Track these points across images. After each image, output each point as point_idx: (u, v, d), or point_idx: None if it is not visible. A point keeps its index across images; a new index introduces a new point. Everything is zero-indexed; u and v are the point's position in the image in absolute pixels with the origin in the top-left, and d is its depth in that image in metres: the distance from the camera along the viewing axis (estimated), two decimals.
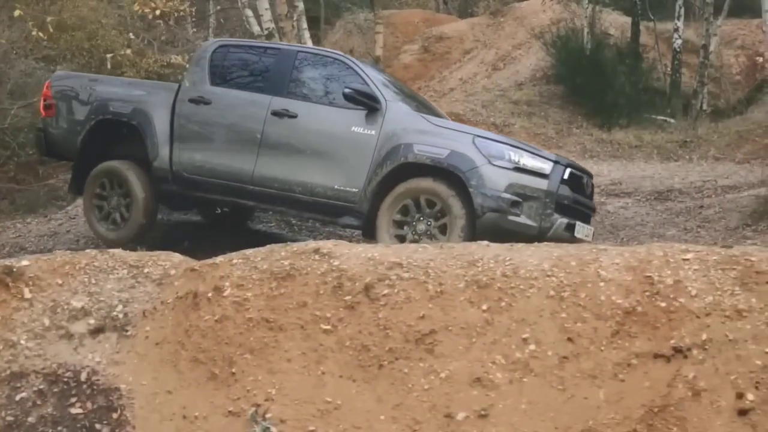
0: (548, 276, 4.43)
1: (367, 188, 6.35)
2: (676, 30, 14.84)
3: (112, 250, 5.73)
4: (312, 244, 5.08)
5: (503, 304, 4.37)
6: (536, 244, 4.99)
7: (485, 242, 5.00)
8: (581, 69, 14.07)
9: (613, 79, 13.89)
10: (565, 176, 6.25)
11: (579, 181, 6.52)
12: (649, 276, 4.31)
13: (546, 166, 6.18)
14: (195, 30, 16.54)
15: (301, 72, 6.93)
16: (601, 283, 4.34)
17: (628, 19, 16.54)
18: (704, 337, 4.01)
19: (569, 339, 4.18)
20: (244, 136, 6.84)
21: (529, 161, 6.16)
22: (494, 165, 6.06)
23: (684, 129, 13.17)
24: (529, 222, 6.04)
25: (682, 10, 14.78)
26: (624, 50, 15.45)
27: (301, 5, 10.03)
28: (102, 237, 7.49)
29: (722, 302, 4.11)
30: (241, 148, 6.83)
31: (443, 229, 6.09)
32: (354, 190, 6.42)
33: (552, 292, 4.35)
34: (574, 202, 6.38)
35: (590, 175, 6.89)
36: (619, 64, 14.37)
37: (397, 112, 6.49)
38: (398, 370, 4.32)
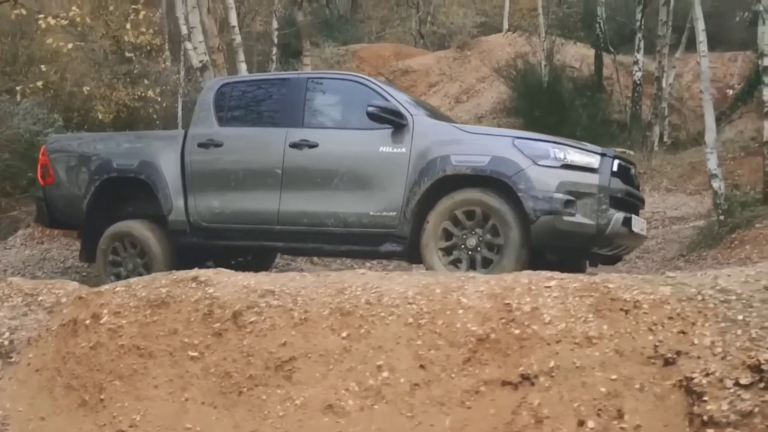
0: (410, 303, 4.44)
1: (406, 210, 5.92)
2: (636, 62, 14.98)
3: (10, 279, 5.79)
4: (192, 272, 5.11)
5: (362, 331, 4.39)
6: (410, 273, 5.00)
7: (361, 270, 5.02)
8: (539, 102, 14.18)
9: (571, 112, 13.98)
10: (615, 168, 5.87)
11: (627, 173, 6.13)
12: (509, 303, 4.32)
13: (594, 160, 5.82)
14: (168, 63, 16.71)
15: (314, 99, 6.57)
16: (460, 311, 4.34)
17: (593, 52, 16.69)
18: (552, 364, 4.01)
19: (422, 366, 4.18)
20: (263, 174, 6.39)
21: (576, 157, 5.80)
22: (540, 165, 5.68)
23: (639, 161, 13.21)
24: (586, 221, 5.66)
25: (642, 42, 14.92)
26: (587, 82, 15.59)
27: (238, 38, 10.17)
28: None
29: (574, 329, 4.11)
30: (262, 187, 6.36)
31: (496, 241, 5.69)
32: (391, 213, 5.98)
33: (411, 320, 4.36)
34: (627, 194, 6.00)
35: (635, 165, 6.50)
36: (578, 97, 14.48)
37: (425, 125, 6.12)
38: (256, 397, 4.33)
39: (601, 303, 4.20)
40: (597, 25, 15.90)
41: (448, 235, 5.81)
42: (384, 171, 6.05)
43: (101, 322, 4.89)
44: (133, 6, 16.21)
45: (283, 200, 6.28)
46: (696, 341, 3.95)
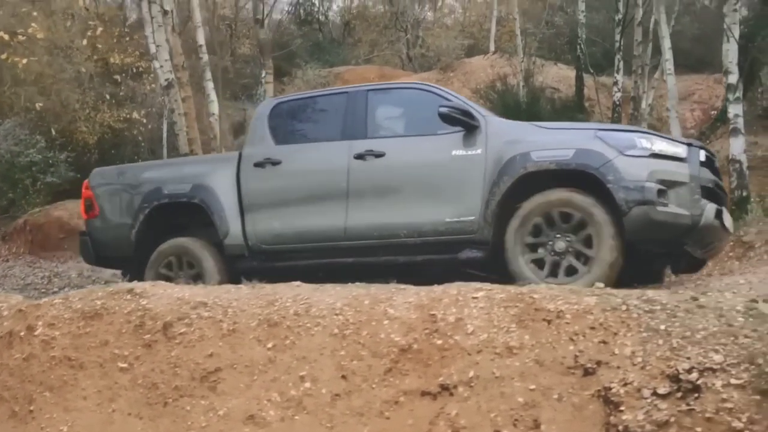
0: (336, 314, 4.43)
1: (486, 213, 5.63)
2: (616, 83, 15.07)
3: None
4: (128, 284, 5.13)
5: (288, 342, 4.38)
6: (344, 284, 4.99)
7: (296, 283, 5.02)
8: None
9: None
10: (702, 158, 5.63)
11: (713, 164, 5.88)
12: (434, 314, 4.31)
13: (681, 150, 5.58)
14: (154, 85, 16.82)
15: (377, 110, 6.35)
16: (386, 321, 4.33)
17: (575, 73, 16.75)
18: (472, 374, 3.99)
19: (344, 377, 4.16)
20: (327, 188, 6.11)
21: (663, 146, 5.53)
22: (628, 155, 5.41)
23: None
24: (681, 211, 5.36)
25: (621, 63, 15.02)
26: (568, 103, 15.64)
27: (205, 57, 10.24)
28: None
29: (495, 339, 4.09)
30: (326, 202, 6.08)
31: (588, 242, 5.37)
32: (470, 218, 5.70)
33: (336, 330, 4.35)
34: (716, 185, 5.75)
35: (716, 157, 6.25)
36: (558, 117, 14.50)
37: (498, 125, 5.91)
38: (181, 408, 4.32)
39: (524, 313, 4.19)
40: (578, 47, 16.01)
41: (534, 239, 5.51)
42: (458, 175, 5.80)
43: (35, 333, 4.89)
44: (119, 29, 16.46)
45: (351, 214, 6.01)
46: (617, 351, 3.93)
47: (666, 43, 8.90)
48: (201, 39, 10.38)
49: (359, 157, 6.06)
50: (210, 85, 10.05)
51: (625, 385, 3.79)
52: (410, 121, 6.38)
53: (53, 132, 14.06)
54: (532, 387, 3.88)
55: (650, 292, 4.39)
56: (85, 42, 14.81)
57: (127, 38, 14.96)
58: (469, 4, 27.06)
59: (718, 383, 3.70)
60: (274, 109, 6.69)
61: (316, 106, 6.80)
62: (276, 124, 6.56)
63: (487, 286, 4.54)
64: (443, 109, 5.75)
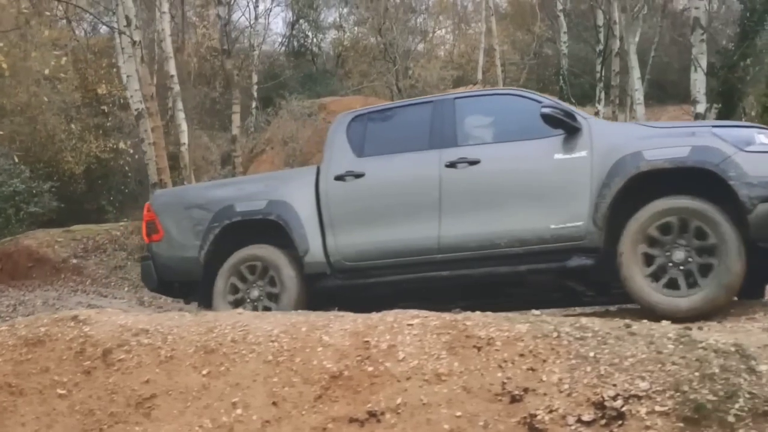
0: (272, 341, 4.45)
1: (595, 217, 5.33)
2: (597, 113, 15.17)
3: None
4: (74, 311, 5.15)
5: (223, 368, 4.39)
6: (285, 312, 5.01)
7: (239, 310, 5.05)
8: None
9: None
10: None
11: None
12: (368, 341, 4.33)
13: None
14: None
15: (466, 117, 6.07)
16: (320, 348, 4.35)
17: None
18: (399, 400, 3.99)
19: (275, 403, 4.17)
20: (417, 199, 5.83)
21: None
22: (748, 151, 5.11)
23: None
24: None
25: (602, 93, 15.16)
26: None
27: (176, 87, 10.35)
28: None
29: (425, 366, 4.11)
30: (416, 214, 5.80)
31: (710, 251, 5.02)
32: (577, 224, 5.39)
33: (270, 357, 4.37)
34: None
35: None
36: None
37: (603, 125, 5.69)
38: None
39: (456, 340, 4.21)
40: (560, 77, 16.17)
41: (651, 244, 5.18)
42: (562, 179, 5.50)
43: None
44: (107, 59, 16.65)
45: (444, 225, 5.72)
46: (545, 378, 3.95)
47: (635, 74, 9.01)
48: (172, 69, 10.50)
49: (451, 165, 5.76)
50: (181, 115, 10.14)
51: (551, 412, 3.80)
52: (503, 128, 6.07)
53: (39, 163, 14.08)
54: (459, 414, 3.88)
55: (584, 320, 4.41)
56: (70, 72, 14.94)
57: (115, 69, 15.07)
58: (458, 36, 27.35)
59: (643, 410, 3.72)
60: (353, 121, 6.38)
61: (398, 116, 6.53)
62: (355, 136, 6.26)
63: (423, 313, 4.56)
64: (546, 110, 5.46)
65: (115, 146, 15.96)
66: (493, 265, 5.65)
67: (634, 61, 8.89)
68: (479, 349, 4.13)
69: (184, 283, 6.57)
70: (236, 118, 11.48)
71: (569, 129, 5.54)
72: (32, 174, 14.23)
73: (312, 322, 4.58)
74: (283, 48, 27.73)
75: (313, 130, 17.64)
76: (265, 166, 16.62)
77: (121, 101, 16.59)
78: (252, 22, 22.93)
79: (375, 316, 4.60)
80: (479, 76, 20.91)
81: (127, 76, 9.01)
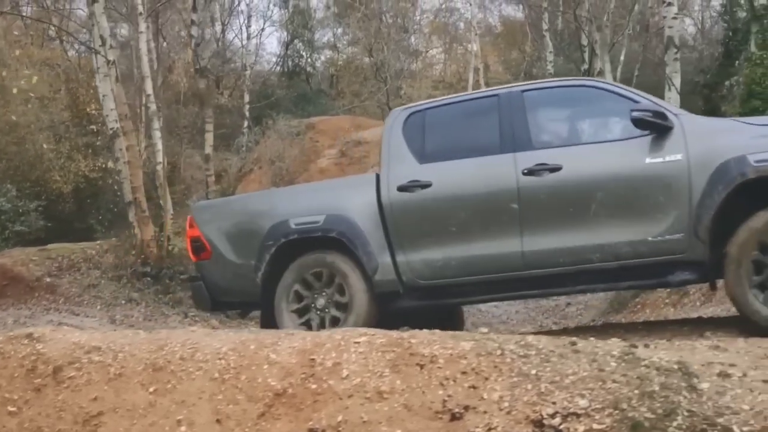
0: (220, 359, 4.46)
1: (697, 228, 4.91)
2: None
3: None
4: (29, 329, 5.17)
5: (170, 386, 4.40)
6: (240, 329, 5.03)
7: (192, 328, 5.06)
8: None
9: None
10: None
11: None
12: (314, 358, 4.34)
13: None
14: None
15: (538, 113, 5.56)
16: (266, 366, 4.36)
17: None
18: (340, 418, 4.00)
19: (218, 421, 4.17)
20: (494, 211, 5.35)
21: None
22: None
23: None
24: None
25: None
26: None
27: (153, 106, 10.43)
28: None
29: (368, 384, 4.11)
30: (494, 227, 5.33)
31: None
32: (677, 236, 4.98)
33: (216, 375, 4.37)
34: None
35: None
36: None
37: (698, 124, 5.19)
38: None
39: (400, 358, 4.22)
40: None
41: (761, 255, 4.80)
42: (656, 186, 5.04)
43: None
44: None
45: (527, 239, 5.26)
46: (485, 396, 3.95)
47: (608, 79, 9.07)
48: (149, 88, 10.57)
49: (530, 172, 5.26)
50: (157, 134, 10.21)
51: (490, 430, 3.80)
52: (581, 126, 5.64)
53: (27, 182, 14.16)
54: None
55: (529, 337, 4.42)
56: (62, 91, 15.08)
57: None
58: (450, 56, 27.52)
59: (581, 428, 3.72)
60: (408, 120, 5.78)
61: (460, 113, 5.85)
62: (413, 138, 5.71)
63: (371, 331, 4.57)
64: (637, 114, 5.00)
65: (104, 165, 16.04)
66: (588, 282, 5.32)
67: (609, 79, 8.95)
68: (422, 366, 4.13)
69: (245, 303, 6.24)
70: (209, 137, 11.56)
71: (659, 129, 5.08)
72: (19, 193, 14.30)
73: (261, 340, 4.60)
74: (278, 68, 27.92)
75: (300, 149, 17.79)
76: (253, 186, 16.71)
77: None
78: (244, 43, 23.17)
79: (324, 334, 4.63)
80: None
81: (103, 96, 9.09)
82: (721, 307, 7.19)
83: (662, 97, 9.42)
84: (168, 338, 4.79)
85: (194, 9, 11.08)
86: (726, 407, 3.72)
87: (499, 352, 4.18)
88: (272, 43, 63.96)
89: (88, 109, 16.07)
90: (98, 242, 12.06)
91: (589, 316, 9.37)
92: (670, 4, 8.84)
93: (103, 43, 9.12)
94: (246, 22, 25.26)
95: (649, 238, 5.05)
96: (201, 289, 6.12)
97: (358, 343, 4.41)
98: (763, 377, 3.98)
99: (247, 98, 20.61)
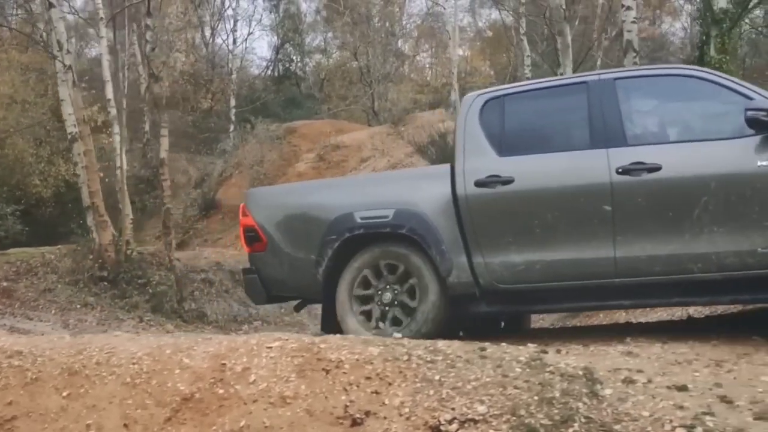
0: (134, 363, 4.49)
1: None
2: None
3: None
4: None
5: (82, 390, 4.43)
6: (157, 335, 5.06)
7: (117, 332, 5.10)
8: None
9: None
10: None
11: None
12: (224, 363, 4.36)
13: None
14: (111, 140, 17.13)
15: (633, 105, 5.11)
16: (178, 371, 4.38)
17: None
18: (243, 423, 4.02)
19: (126, 425, 4.20)
20: (583, 212, 4.89)
21: None
22: None
23: None
24: None
25: None
26: None
27: (113, 111, 10.49)
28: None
29: (273, 389, 4.13)
30: (584, 230, 4.89)
31: None
32: None
33: (128, 379, 4.40)
34: None
35: None
36: None
37: None
38: None
39: (307, 363, 4.24)
40: None
41: None
42: None
43: None
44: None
45: (620, 244, 4.82)
46: (387, 401, 3.97)
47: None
48: (109, 93, 10.64)
49: (625, 172, 4.80)
50: (117, 138, 10.26)
51: None
52: (683, 121, 5.20)
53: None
54: None
55: (440, 343, 4.44)
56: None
57: (91, 91, 15.22)
58: (436, 60, 27.59)
59: None
60: (485, 107, 5.28)
61: (544, 101, 5.38)
62: (491, 126, 5.22)
63: (286, 336, 4.60)
64: (752, 113, 4.58)
65: (125, 171, 16.01)
66: (685, 294, 4.89)
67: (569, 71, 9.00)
68: (327, 371, 4.15)
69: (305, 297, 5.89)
70: (164, 142, 11.62)
71: None
72: None
73: (178, 345, 4.63)
74: (269, 72, 28.02)
75: (279, 153, 17.87)
76: (233, 190, 16.79)
77: (92, 125, 16.74)
78: (230, 47, 23.25)
79: (240, 339, 4.65)
80: (453, 98, 21.10)
81: (61, 100, 9.15)
82: (669, 312, 7.17)
83: None
84: (89, 343, 4.83)
85: (148, 14, 11.13)
86: (625, 414, 3.73)
87: (406, 357, 4.20)
88: (263, 47, 64.00)
89: None
90: (58, 247, 12.12)
91: (550, 320, 9.35)
92: (629, 8, 8.88)
93: (60, 48, 9.21)
94: (233, 26, 25.36)
95: (759, 249, 4.59)
96: (255, 282, 5.72)
97: (270, 348, 4.43)
98: (668, 383, 3.99)
99: (233, 102, 20.65)
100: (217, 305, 11.02)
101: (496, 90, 5.63)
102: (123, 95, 15.63)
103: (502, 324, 6.34)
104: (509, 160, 5.11)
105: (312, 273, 5.41)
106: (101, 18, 11.79)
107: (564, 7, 11.52)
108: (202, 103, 19.63)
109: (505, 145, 5.17)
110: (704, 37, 12.32)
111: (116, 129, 10.36)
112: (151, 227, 15.12)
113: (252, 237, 5.70)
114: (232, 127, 21.14)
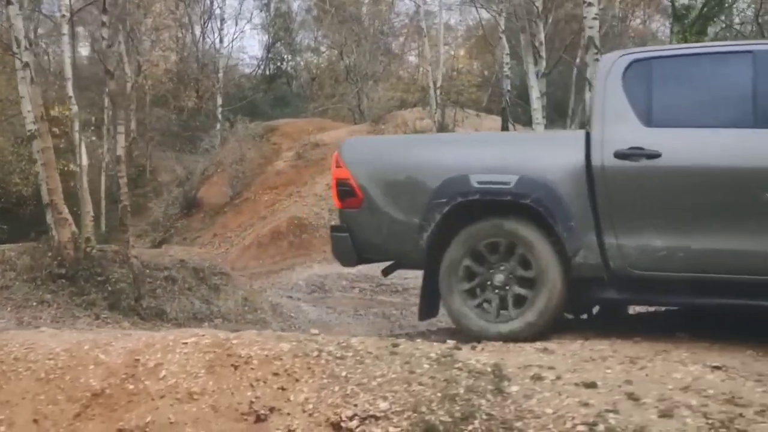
0: (50, 359, 4.49)
1: None
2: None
3: None
4: None
5: None
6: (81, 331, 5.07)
7: (44, 328, 5.11)
8: None
9: None
10: None
11: None
12: (138, 359, 4.37)
13: None
14: (95, 138, 17.21)
15: None
16: (92, 366, 4.39)
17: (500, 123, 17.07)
18: (149, 419, 4.03)
19: (35, 421, 4.21)
20: (743, 199, 4.35)
21: None
22: None
23: None
24: None
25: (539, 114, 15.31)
26: None
27: (75, 108, 10.51)
28: (477, 331, 4.80)
29: (181, 385, 4.14)
30: (742, 219, 4.36)
31: None
32: None
33: (43, 375, 4.40)
34: None
35: None
36: None
37: None
38: None
39: (217, 359, 4.25)
40: (504, 99, 16.32)
41: None
42: None
43: None
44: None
45: None
46: (292, 398, 3.97)
47: (534, 93, 9.08)
48: (70, 91, 10.66)
49: None
50: (77, 136, 10.29)
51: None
52: None
53: None
54: None
55: (354, 339, 4.45)
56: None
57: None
58: (425, 58, 27.58)
59: (377, 431, 3.73)
60: (629, 70, 4.71)
61: (698, 68, 4.79)
62: (636, 93, 4.65)
63: (202, 332, 4.61)
64: None
65: (66, 168, 16.05)
66: None
67: (533, 80, 8.99)
68: (236, 367, 4.16)
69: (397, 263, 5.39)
70: (121, 139, 11.67)
71: None
72: None
73: (97, 341, 4.64)
74: (260, 71, 28.08)
75: (260, 151, 17.91)
76: (214, 189, 16.83)
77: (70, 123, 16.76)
78: (217, 46, 23.30)
79: (158, 335, 4.66)
80: (437, 98, 21.13)
81: (21, 98, 9.19)
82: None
83: (583, 100, 9.45)
84: (12, 338, 4.84)
85: (104, 10, 11.16)
86: (528, 411, 3.73)
87: (316, 353, 4.20)
88: (254, 46, 63.87)
89: (52, 112, 16.11)
90: (19, 244, 12.16)
91: None
92: (590, 4, 8.85)
93: (18, 45, 9.28)
94: (219, 24, 25.40)
95: None
96: (346, 242, 5.16)
97: (186, 343, 4.44)
98: (577, 380, 3.99)
99: (219, 101, 20.70)
100: (178, 303, 11.06)
101: (643, 51, 5.14)
102: (105, 94, 15.70)
103: (596, 308, 5.81)
104: (657, 131, 4.55)
105: (414, 238, 4.87)
106: (63, 15, 11.86)
107: (537, 4, 11.52)
108: (186, 101, 19.68)
109: (652, 115, 4.61)
110: (670, 33, 12.37)
111: (76, 126, 10.38)
112: (133, 225, 15.16)
113: (345, 192, 5.12)
114: (218, 126, 21.16)
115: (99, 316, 10.16)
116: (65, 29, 11.89)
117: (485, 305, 4.82)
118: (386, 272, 5.64)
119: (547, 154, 4.79)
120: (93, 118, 14.60)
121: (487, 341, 4.67)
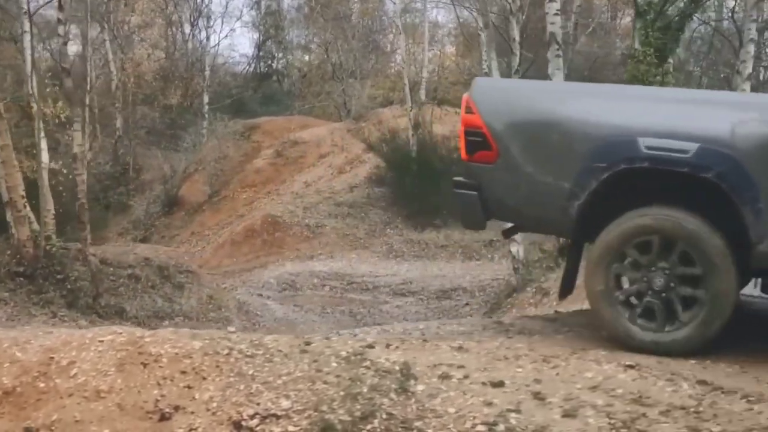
0: None
1: None
2: None
3: None
4: None
5: None
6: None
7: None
8: (408, 171, 14.37)
9: (445, 178, 14.08)
10: None
11: None
12: (53, 357, 4.37)
13: None
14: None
15: None
16: (7, 364, 4.39)
17: None
18: (55, 417, 4.03)
19: None
20: None
21: None
22: None
23: (494, 229, 13.30)
24: None
25: None
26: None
27: (35, 106, 10.54)
28: (636, 342, 4.21)
29: (89, 383, 4.14)
30: None
31: None
32: None
33: None
34: None
35: None
36: (456, 163, 14.67)
37: None
38: None
39: (129, 357, 4.25)
40: None
41: None
42: None
43: None
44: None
45: None
46: (197, 396, 3.98)
47: None
48: (30, 88, 10.69)
49: None
50: (40, 134, 10.32)
51: (191, 430, 3.82)
52: None
53: None
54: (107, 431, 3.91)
55: (267, 338, 4.45)
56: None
57: (57, 88, 15.30)
58: (415, 57, 27.56)
59: (277, 430, 3.74)
60: None
61: None
62: None
63: (122, 329, 4.61)
64: None
65: (49, 166, 16.07)
66: None
67: (496, 75, 9.01)
68: (146, 365, 4.16)
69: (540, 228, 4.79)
70: (77, 136, 11.69)
71: None
72: None
73: (17, 338, 4.64)
74: (250, 69, 28.09)
75: (241, 149, 17.93)
76: (195, 187, 16.85)
77: (57, 121, 16.81)
78: (203, 43, 23.32)
79: (78, 332, 4.67)
80: (422, 96, 21.09)
81: None
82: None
83: None
84: None
85: (61, 8, 11.20)
86: (431, 410, 3.73)
87: (226, 351, 4.21)
88: (245, 44, 63.62)
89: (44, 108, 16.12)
90: None
91: (480, 314, 9.39)
92: (552, 0, 8.86)
93: None
94: (206, 23, 25.38)
95: None
96: (474, 202, 4.46)
97: (102, 341, 4.44)
98: (485, 379, 3.99)
99: (206, 99, 20.74)
100: (140, 301, 11.09)
101: None
102: (87, 92, 15.71)
103: None
104: None
105: (561, 206, 4.21)
106: (25, 12, 11.92)
107: (509, 1, 11.51)
108: (171, 99, 19.70)
109: None
110: (632, 29, 12.35)
111: (39, 124, 10.41)
112: (116, 224, 15.19)
113: (476, 143, 4.36)
114: (205, 123, 21.20)
115: (56, 314, 10.20)
116: (27, 26, 11.91)
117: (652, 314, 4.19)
118: (507, 234, 5.14)
119: (735, 122, 4.01)
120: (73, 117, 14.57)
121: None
